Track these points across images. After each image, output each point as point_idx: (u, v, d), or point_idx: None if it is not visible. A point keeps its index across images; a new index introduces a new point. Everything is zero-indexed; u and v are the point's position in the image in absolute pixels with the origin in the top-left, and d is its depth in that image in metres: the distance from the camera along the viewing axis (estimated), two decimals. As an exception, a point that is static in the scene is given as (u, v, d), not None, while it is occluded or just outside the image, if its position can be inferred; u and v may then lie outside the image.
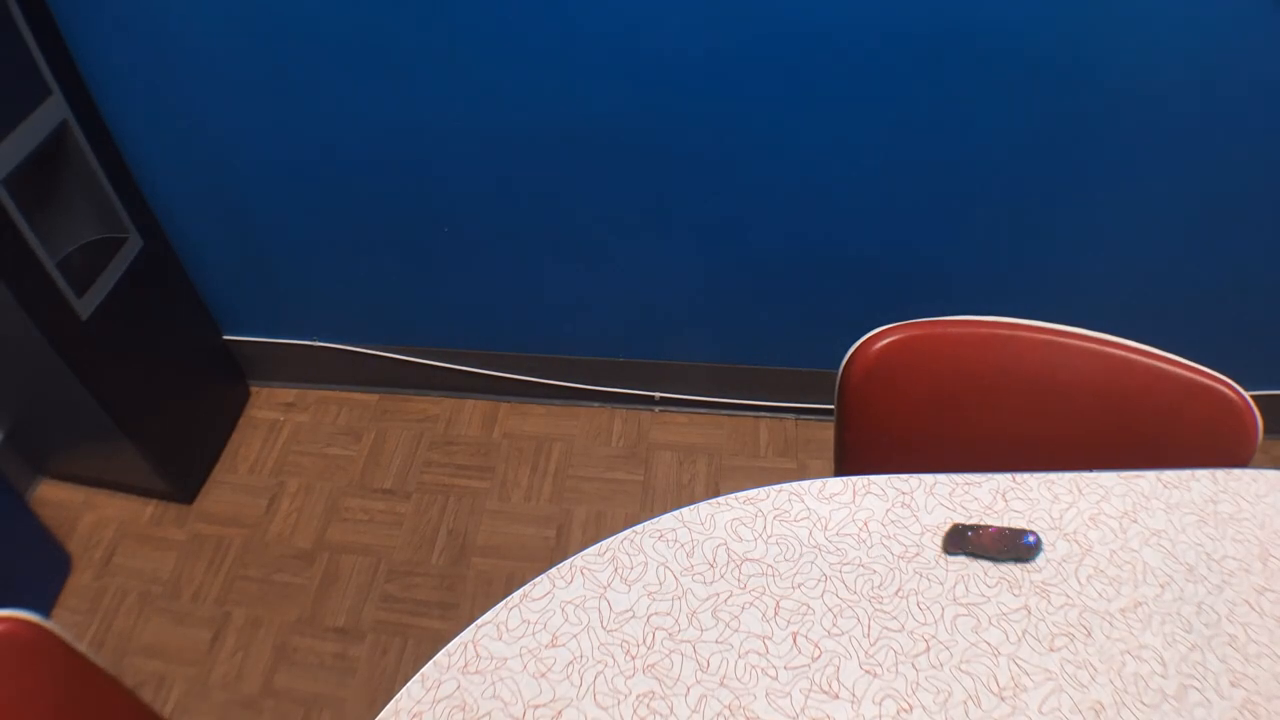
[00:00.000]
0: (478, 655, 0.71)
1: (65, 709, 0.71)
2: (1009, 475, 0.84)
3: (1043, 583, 0.75)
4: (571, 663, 0.70)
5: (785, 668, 0.70)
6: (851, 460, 1.02)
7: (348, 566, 1.64)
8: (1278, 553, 0.77)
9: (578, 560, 0.77)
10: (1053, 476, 0.83)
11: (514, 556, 1.64)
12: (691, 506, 0.81)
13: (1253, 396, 0.85)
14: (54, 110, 1.34)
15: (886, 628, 0.72)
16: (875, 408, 0.95)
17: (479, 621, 0.73)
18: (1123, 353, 0.88)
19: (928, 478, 0.83)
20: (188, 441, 1.75)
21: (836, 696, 0.68)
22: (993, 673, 0.69)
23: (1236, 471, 0.84)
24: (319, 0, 1.29)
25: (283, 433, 1.88)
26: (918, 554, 0.77)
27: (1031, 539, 0.77)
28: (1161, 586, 0.75)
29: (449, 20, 1.29)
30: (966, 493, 0.82)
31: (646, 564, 0.77)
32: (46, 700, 0.70)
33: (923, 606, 0.74)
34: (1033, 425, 0.94)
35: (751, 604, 0.74)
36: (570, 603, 0.74)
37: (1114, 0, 1.16)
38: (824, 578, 0.76)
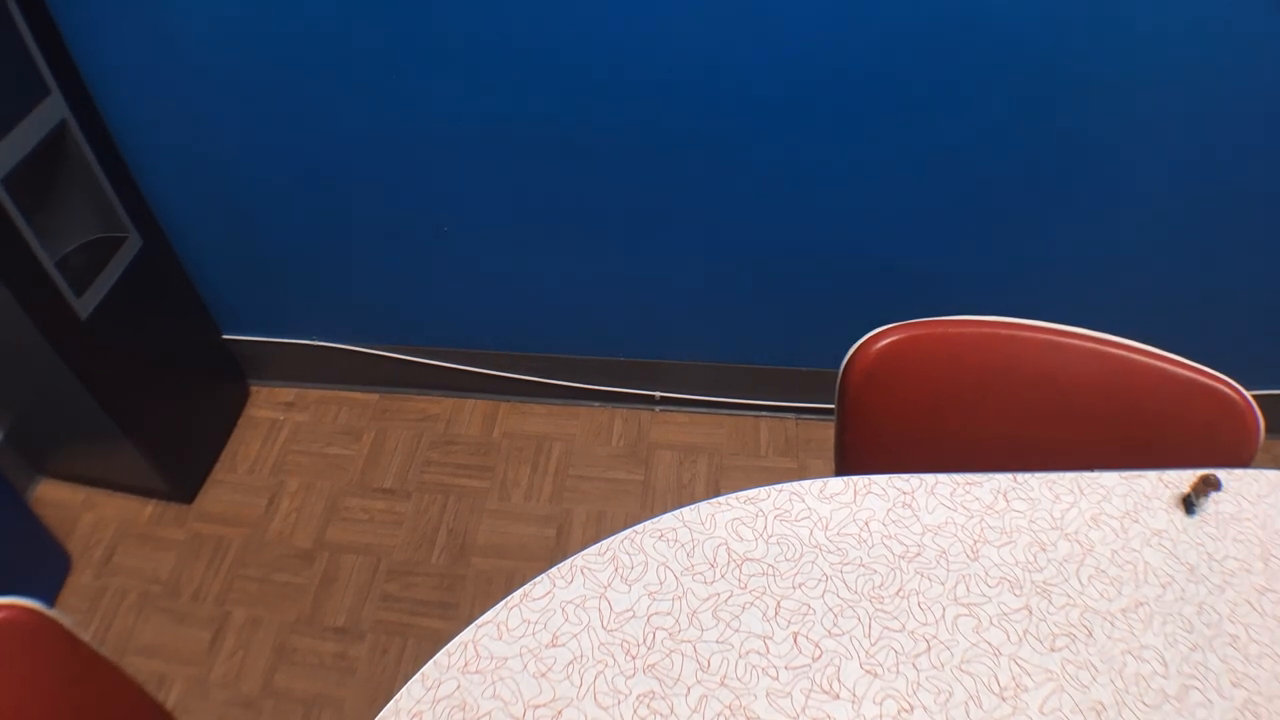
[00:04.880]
0: (478, 655, 0.71)
1: (67, 695, 0.72)
2: (1010, 475, 0.83)
3: (1044, 582, 0.75)
4: (572, 662, 0.70)
5: (786, 668, 0.70)
6: (852, 460, 1.01)
7: (347, 566, 1.64)
8: (1278, 552, 0.77)
9: (578, 560, 0.77)
10: (1054, 476, 0.83)
11: (514, 556, 1.64)
12: (692, 506, 0.81)
13: (1253, 396, 0.85)
14: (53, 109, 1.33)
15: (887, 628, 0.72)
16: (875, 408, 0.95)
17: (479, 621, 0.73)
18: (1124, 353, 0.88)
19: (929, 478, 0.83)
20: (187, 441, 1.75)
21: (837, 696, 0.68)
22: (994, 673, 0.69)
23: (1237, 471, 0.84)
24: (318, 1, 1.28)
25: (282, 432, 1.87)
26: (919, 554, 0.77)
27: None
28: (1163, 586, 0.75)
29: (449, 21, 1.29)
30: (968, 492, 0.82)
31: (647, 564, 0.77)
32: (48, 687, 0.70)
33: (924, 606, 0.74)
34: (1033, 425, 0.94)
35: (752, 604, 0.74)
36: (570, 602, 0.74)
37: (1115, 0, 1.16)
38: (825, 577, 0.76)
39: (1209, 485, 0.78)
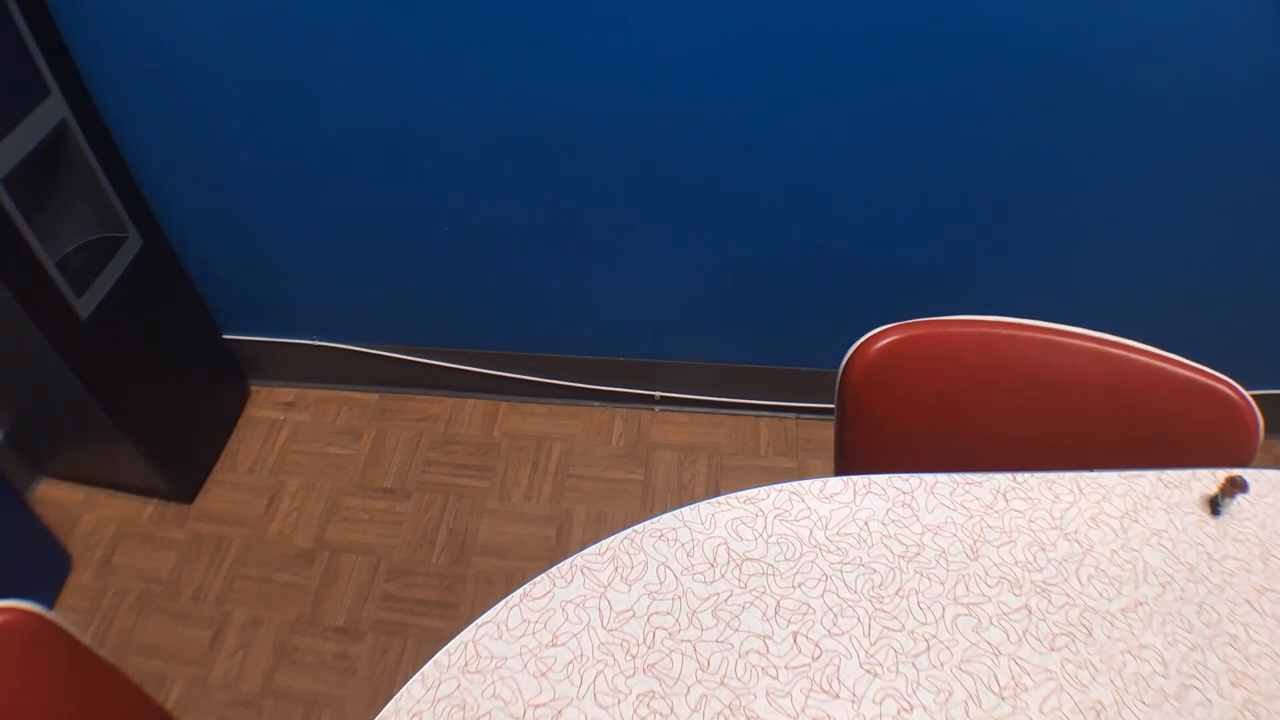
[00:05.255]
0: (478, 654, 0.71)
1: (67, 697, 0.72)
2: (1009, 475, 0.83)
3: (1043, 582, 0.75)
4: (572, 662, 0.70)
5: (785, 667, 0.70)
6: (852, 460, 1.01)
7: (348, 566, 1.64)
8: (1278, 552, 0.77)
9: (578, 559, 0.77)
10: (1053, 476, 0.83)
11: (514, 556, 1.64)
12: (692, 506, 0.81)
13: (1253, 396, 0.85)
14: (53, 109, 1.34)
15: (887, 627, 0.72)
16: (875, 408, 0.95)
17: (479, 621, 0.73)
18: (1123, 352, 0.88)
19: (928, 477, 0.83)
20: (187, 441, 1.75)
21: (837, 696, 0.68)
22: (993, 672, 0.69)
23: (1237, 471, 0.84)
24: (318, 2, 1.28)
25: (282, 432, 1.87)
26: (918, 553, 0.77)
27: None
28: (1162, 586, 0.75)
29: (449, 19, 1.29)
30: (967, 492, 0.82)
31: (647, 563, 0.77)
32: (48, 688, 0.70)
33: (923, 606, 0.74)
34: (1033, 425, 0.94)
35: (752, 603, 0.74)
36: (570, 602, 0.74)
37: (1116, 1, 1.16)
38: (824, 577, 0.76)
39: (1235, 487, 0.78)
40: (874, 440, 0.99)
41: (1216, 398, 0.85)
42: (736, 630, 0.72)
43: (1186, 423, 0.88)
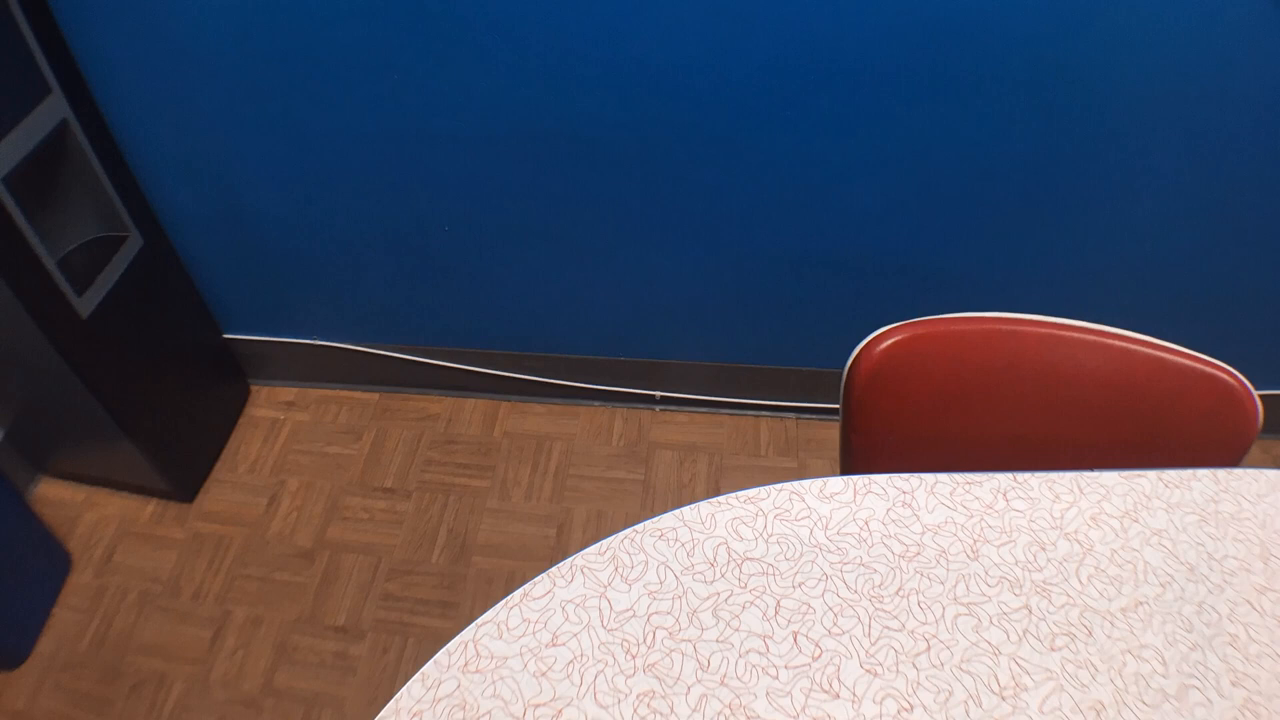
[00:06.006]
0: (478, 654, 0.71)
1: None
2: (1010, 475, 0.83)
3: (1044, 582, 0.75)
4: (572, 662, 0.70)
5: (786, 667, 0.70)
6: (858, 462, 1.01)
7: (348, 565, 1.64)
8: (1278, 552, 0.77)
9: (578, 559, 0.77)
10: (1053, 476, 0.83)
11: (514, 555, 1.64)
12: (692, 505, 0.81)
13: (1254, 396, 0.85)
14: (54, 109, 1.34)
15: (887, 627, 0.72)
16: (881, 409, 0.95)
17: (479, 620, 0.73)
18: (1124, 344, 0.89)
19: (928, 477, 0.83)
20: (188, 440, 1.75)
21: (837, 696, 0.68)
22: (993, 672, 0.69)
23: (1237, 471, 0.84)
24: (318, 1, 1.29)
25: (283, 431, 1.88)
26: (919, 553, 0.77)
27: None
28: (1162, 586, 0.75)
29: (451, 21, 1.29)
30: (967, 492, 0.82)
31: (647, 563, 0.77)
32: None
33: (923, 606, 0.74)
34: (1038, 419, 0.94)
35: (752, 603, 0.74)
36: (571, 602, 0.74)
37: (1115, -1, 1.16)
38: (825, 577, 0.76)
39: None
40: (880, 442, 0.99)
41: (1216, 385, 0.86)
42: (737, 630, 0.72)
43: (1187, 410, 0.89)
